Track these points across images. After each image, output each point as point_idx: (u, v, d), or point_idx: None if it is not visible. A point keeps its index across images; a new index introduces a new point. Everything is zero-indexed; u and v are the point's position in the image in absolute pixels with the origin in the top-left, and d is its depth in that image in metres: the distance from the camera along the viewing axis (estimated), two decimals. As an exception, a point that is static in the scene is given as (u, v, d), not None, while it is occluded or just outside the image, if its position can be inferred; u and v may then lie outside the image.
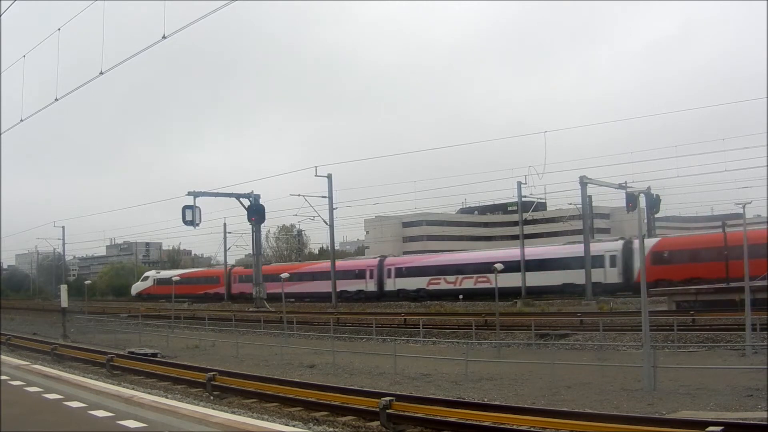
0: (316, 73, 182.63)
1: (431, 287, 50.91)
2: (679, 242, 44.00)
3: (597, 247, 44.21)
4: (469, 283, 48.58)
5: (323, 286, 53.03)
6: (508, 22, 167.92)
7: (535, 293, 44.23)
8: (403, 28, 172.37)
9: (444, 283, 50.87)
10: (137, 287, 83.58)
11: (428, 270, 52.14)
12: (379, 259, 57.76)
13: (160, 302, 62.55)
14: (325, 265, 55.39)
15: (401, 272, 53.09)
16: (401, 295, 51.43)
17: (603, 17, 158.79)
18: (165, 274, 77.81)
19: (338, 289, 51.09)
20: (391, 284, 53.80)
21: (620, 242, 45.51)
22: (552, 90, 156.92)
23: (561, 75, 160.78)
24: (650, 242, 41.97)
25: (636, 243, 39.63)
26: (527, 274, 44.71)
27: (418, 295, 50.05)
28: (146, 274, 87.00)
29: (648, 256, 39.33)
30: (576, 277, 42.38)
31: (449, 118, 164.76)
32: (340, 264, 55.60)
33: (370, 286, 55.44)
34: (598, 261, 42.39)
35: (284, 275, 37.70)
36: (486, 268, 40.37)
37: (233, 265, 76.92)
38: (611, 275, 42.82)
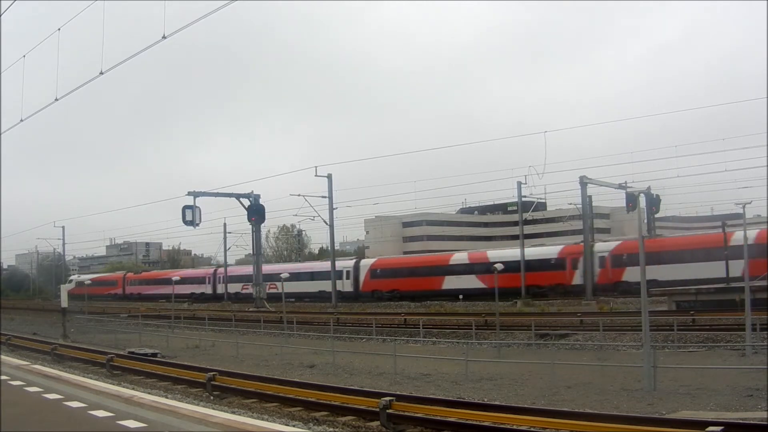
0: (317, 74, 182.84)
1: (244, 291, 62.41)
2: (386, 263, 57.16)
3: (340, 264, 55.82)
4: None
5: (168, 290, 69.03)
6: (509, 24, 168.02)
7: (297, 297, 55.82)
8: (404, 29, 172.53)
9: (251, 288, 62.96)
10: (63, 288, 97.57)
11: (242, 278, 63.49)
12: (214, 268, 74.01)
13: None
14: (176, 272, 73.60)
15: (227, 279, 67.19)
16: (227, 296, 63.71)
17: (605, 20, 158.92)
18: (83, 277, 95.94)
19: (188, 292, 66.83)
20: (222, 288, 66.85)
21: (352, 261, 59.43)
22: (553, 91, 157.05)
23: (562, 76, 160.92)
24: (369, 262, 57.76)
25: (363, 262, 58.63)
26: (296, 282, 55.77)
27: (237, 297, 61.83)
28: (71, 277, 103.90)
29: (367, 272, 55.29)
30: (327, 286, 53.20)
31: (450, 118, 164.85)
32: (191, 272, 74.09)
33: (208, 289, 69.75)
34: (339, 274, 53.75)
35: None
36: (272, 277, 54.11)
37: (127, 271, 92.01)
38: (347, 285, 54.96)
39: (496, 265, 28.09)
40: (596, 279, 42.49)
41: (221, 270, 70.57)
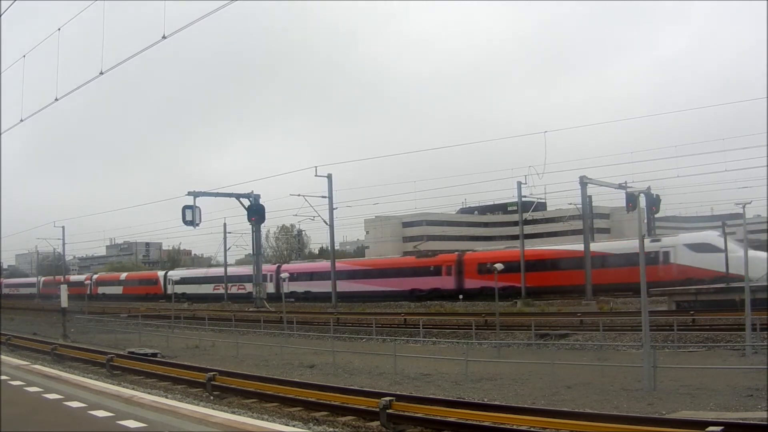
0: (318, 75, 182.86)
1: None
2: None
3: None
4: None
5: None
6: (511, 29, 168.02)
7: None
8: (408, 32, 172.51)
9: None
10: None
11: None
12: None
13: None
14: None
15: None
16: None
17: (611, 29, 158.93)
18: None
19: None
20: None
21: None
22: (553, 92, 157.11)
23: (563, 79, 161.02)
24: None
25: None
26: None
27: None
28: None
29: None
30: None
31: (450, 119, 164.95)
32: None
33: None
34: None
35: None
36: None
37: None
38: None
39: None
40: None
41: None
